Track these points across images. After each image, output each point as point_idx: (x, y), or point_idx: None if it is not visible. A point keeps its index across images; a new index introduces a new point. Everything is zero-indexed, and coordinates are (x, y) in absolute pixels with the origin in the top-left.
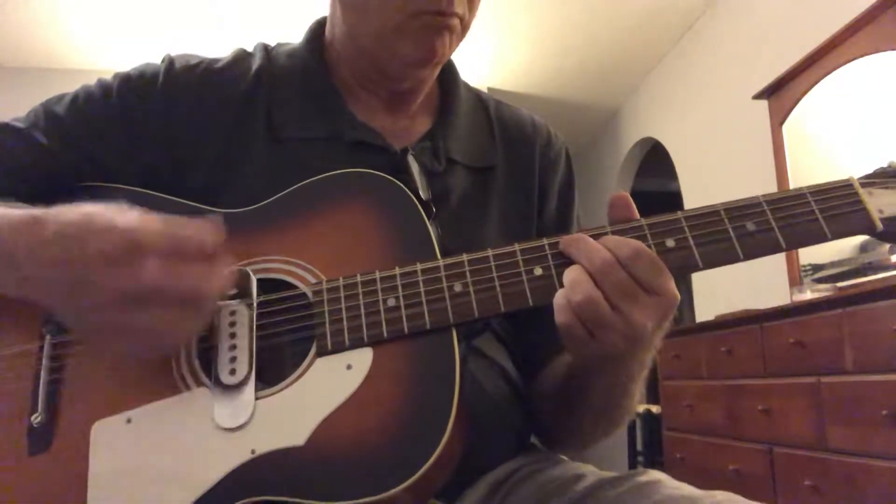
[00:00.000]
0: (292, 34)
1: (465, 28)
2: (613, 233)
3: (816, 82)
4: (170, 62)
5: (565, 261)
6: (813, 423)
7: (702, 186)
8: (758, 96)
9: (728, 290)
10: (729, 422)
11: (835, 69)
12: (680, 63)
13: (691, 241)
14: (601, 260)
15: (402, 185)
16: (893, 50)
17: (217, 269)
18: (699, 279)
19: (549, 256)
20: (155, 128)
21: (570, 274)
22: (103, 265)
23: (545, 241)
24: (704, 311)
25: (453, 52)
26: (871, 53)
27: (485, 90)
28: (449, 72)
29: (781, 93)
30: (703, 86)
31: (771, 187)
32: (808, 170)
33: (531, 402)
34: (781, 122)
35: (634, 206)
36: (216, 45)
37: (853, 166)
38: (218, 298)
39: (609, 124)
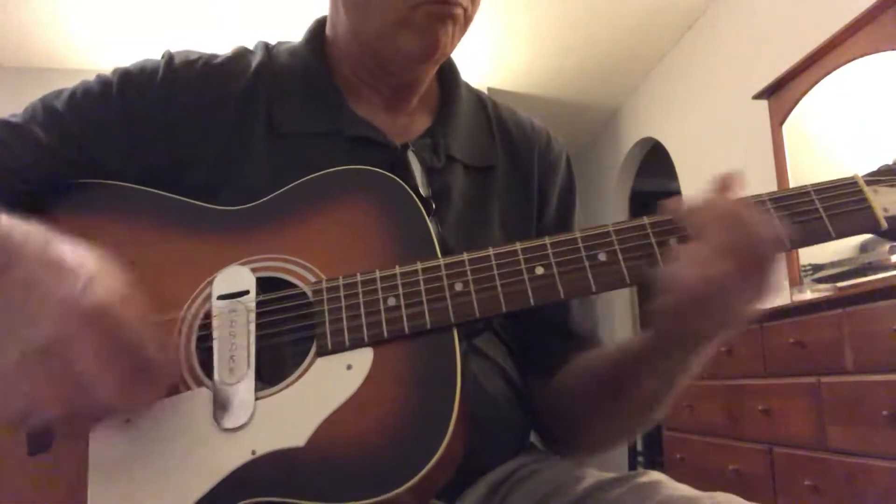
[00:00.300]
0: (292, 34)
1: (467, 20)
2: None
3: (816, 82)
4: (169, 58)
5: (567, 259)
6: (813, 423)
7: (702, 186)
8: (758, 96)
9: None
10: (729, 422)
11: (835, 69)
12: (680, 63)
13: None
14: (724, 239)
15: (401, 181)
16: (893, 50)
17: (143, 386)
18: None
19: (551, 255)
20: (154, 124)
21: (691, 249)
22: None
23: (547, 241)
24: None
25: (456, 45)
26: (871, 53)
27: (485, 90)
28: (449, 71)
29: (781, 93)
30: (703, 86)
31: (771, 187)
32: (808, 170)
33: (544, 403)
34: (781, 122)
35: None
36: (216, 46)
37: (853, 166)
38: (127, 410)
39: (609, 124)
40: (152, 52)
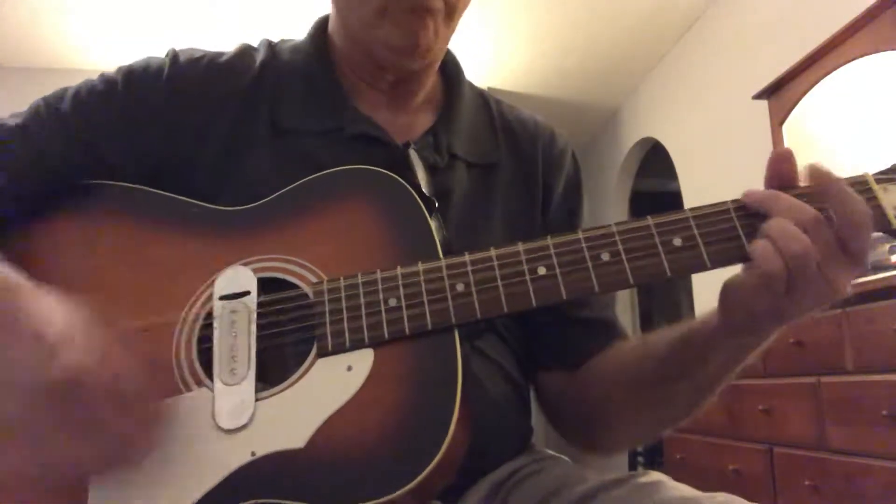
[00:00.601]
0: (292, 34)
1: (451, 13)
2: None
3: (816, 82)
4: (174, 56)
5: (569, 260)
6: (813, 423)
7: (702, 186)
8: (758, 96)
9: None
10: (729, 422)
11: (835, 69)
12: (680, 63)
13: (699, 240)
14: (813, 216)
15: (403, 181)
16: (893, 50)
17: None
18: (699, 278)
19: (553, 256)
20: (159, 122)
21: (780, 224)
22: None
23: (549, 241)
24: (704, 309)
25: (443, 39)
26: (871, 53)
27: (485, 90)
28: (453, 70)
29: (781, 93)
30: (703, 86)
31: None
32: None
33: (571, 396)
34: (781, 122)
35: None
36: (216, 45)
37: (853, 166)
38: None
39: (609, 124)
40: (152, 52)
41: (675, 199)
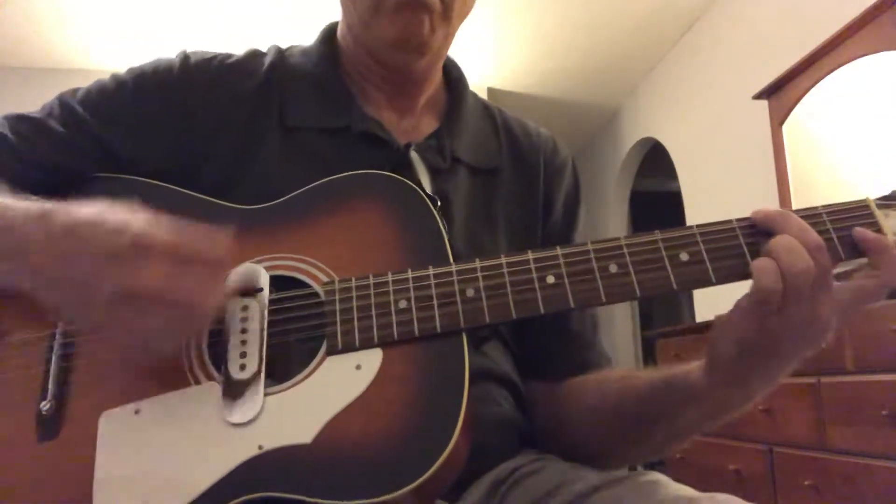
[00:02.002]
0: (294, 37)
1: (448, 11)
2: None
3: (816, 82)
4: (185, 56)
5: (578, 270)
6: (813, 423)
7: (702, 186)
8: (758, 96)
9: (728, 290)
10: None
11: (835, 69)
12: (680, 63)
13: (705, 256)
14: (817, 242)
15: (416, 186)
16: (893, 50)
17: (217, 281)
18: None
19: (563, 265)
20: (170, 122)
21: (787, 241)
22: (105, 263)
23: (558, 251)
24: (704, 311)
25: (440, 38)
26: (871, 53)
27: (485, 90)
28: (457, 76)
29: (781, 93)
30: (703, 86)
31: (771, 187)
32: (808, 170)
33: (550, 409)
34: (781, 122)
35: None
36: (218, 46)
37: (853, 167)
38: (215, 309)
39: (609, 124)
40: (153, 53)
41: (675, 199)
